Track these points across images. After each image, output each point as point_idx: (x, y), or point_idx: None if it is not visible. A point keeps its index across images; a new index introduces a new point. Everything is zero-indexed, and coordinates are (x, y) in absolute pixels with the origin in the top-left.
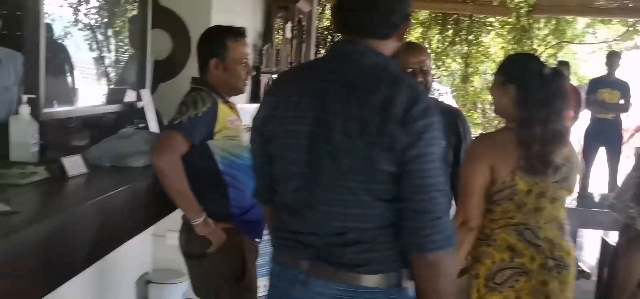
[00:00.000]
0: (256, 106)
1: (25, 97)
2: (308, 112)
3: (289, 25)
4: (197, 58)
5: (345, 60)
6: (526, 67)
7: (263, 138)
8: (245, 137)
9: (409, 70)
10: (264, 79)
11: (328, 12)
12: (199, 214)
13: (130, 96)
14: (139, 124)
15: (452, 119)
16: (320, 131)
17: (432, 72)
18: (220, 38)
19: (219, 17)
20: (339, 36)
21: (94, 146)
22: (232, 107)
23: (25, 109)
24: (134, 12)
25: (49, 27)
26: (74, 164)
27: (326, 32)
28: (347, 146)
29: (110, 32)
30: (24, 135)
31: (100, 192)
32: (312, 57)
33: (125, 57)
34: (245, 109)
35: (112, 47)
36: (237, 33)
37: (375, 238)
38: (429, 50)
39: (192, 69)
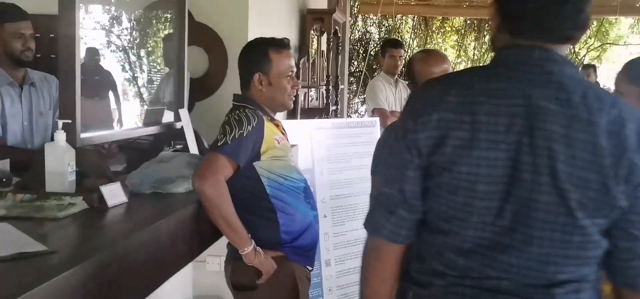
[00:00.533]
0: (297, 121)
1: (60, 123)
2: (507, 136)
3: (324, 37)
4: (238, 74)
5: (542, 72)
6: None
7: (428, 165)
8: (293, 157)
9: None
10: (301, 94)
11: (360, 23)
12: (247, 243)
13: (167, 117)
14: (176, 146)
15: None
16: (530, 159)
17: None
18: (263, 50)
19: (256, 31)
20: (375, 47)
21: (134, 172)
22: (278, 124)
23: (61, 136)
24: (169, 30)
25: (87, 50)
26: (113, 193)
27: (359, 44)
28: (577, 178)
29: (143, 52)
30: (61, 163)
31: (142, 223)
32: (346, 70)
33: (160, 76)
34: (285, 124)
35: (147, 66)
36: (281, 44)
37: (587, 277)
38: (465, 58)
39: (229, 86)
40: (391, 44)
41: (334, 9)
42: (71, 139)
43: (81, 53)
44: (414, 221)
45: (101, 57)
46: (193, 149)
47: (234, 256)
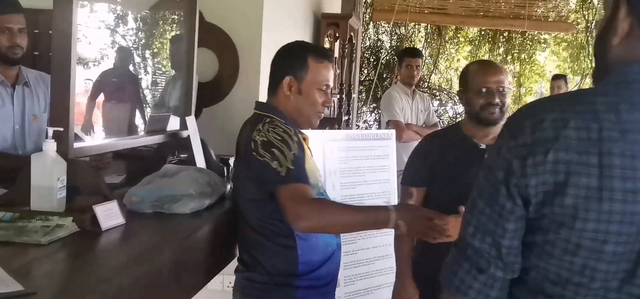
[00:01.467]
0: (309, 131)
1: (50, 131)
2: None
3: (337, 43)
4: (269, 77)
5: None
6: None
7: (538, 217)
8: (321, 176)
9: (484, 90)
10: None
11: (371, 30)
12: (388, 215)
13: (173, 124)
14: (180, 156)
15: None
16: None
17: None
18: (302, 54)
19: (270, 35)
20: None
21: (133, 188)
22: (305, 138)
23: (50, 146)
24: (176, 31)
25: (119, 50)
26: (108, 214)
27: (369, 52)
28: None
29: (149, 54)
30: (49, 177)
31: (141, 253)
32: (357, 78)
33: (165, 80)
34: None
35: (151, 68)
36: (323, 53)
37: None
38: None
39: (241, 92)
40: (409, 53)
41: (350, 14)
42: (63, 149)
43: (78, 50)
44: (507, 281)
45: (104, 58)
46: (200, 160)
47: (240, 286)
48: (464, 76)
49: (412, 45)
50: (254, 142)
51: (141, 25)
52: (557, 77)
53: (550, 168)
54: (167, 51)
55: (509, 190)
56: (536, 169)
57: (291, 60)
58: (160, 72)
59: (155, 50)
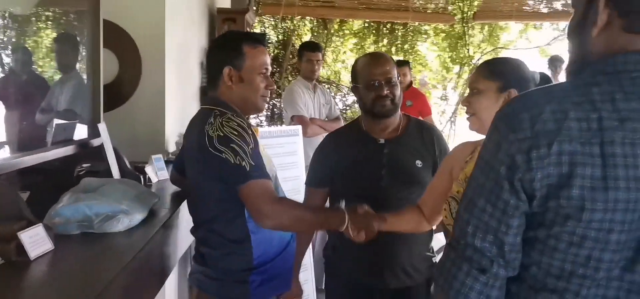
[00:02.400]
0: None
1: None
2: None
3: None
4: (206, 72)
5: None
6: (521, 70)
7: (542, 211)
8: (274, 168)
9: (374, 83)
10: None
11: (257, 24)
12: (343, 218)
13: (81, 133)
14: (84, 166)
15: (430, 136)
16: None
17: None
18: (236, 44)
19: (173, 33)
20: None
21: (54, 209)
22: (255, 129)
23: None
24: (63, 30)
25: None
26: (36, 240)
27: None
28: None
29: (46, 54)
30: None
31: (79, 282)
32: None
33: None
34: None
35: (51, 72)
36: (256, 39)
37: None
38: None
39: (144, 93)
40: (309, 47)
41: (247, 8)
42: None
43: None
44: (505, 280)
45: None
46: (115, 171)
47: (197, 280)
48: (354, 71)
49: (299, 39)
50: (209, 138)
51: (39, 17)
52: (553, 60)
53: (554, 160)
54: (58, 53)
55: (513, 185)
56: (541, 162)
57: (226, 51)
58: (48, 75)
59: (44, 50)
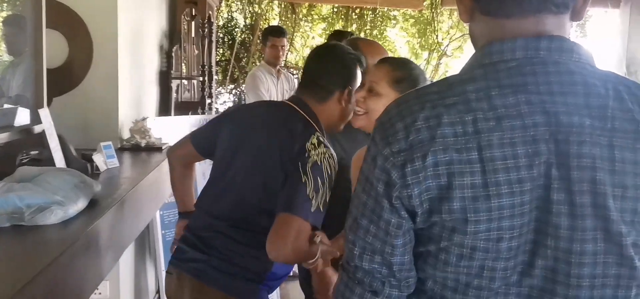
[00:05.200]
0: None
1: None
2: (530, 171)
3: (194, 23)
4: (310, 78)
5: (560, 71)
6: (422, 80)
7: (428, 226)
8: None
9: None
10: (174, 86)
11: (224, 9)
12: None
13: (22, 118)
14: (31, 153)
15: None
16: (566, 197)
17: None
18: (353, 65)
19: (125, 16)
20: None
21: None
22: None
23: None
24: (11, 11)
25: None
26: None
27: (224, 31)
28: (631, 212)
29: None
30: None
31: (6, 283)
32: (214, 59)
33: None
34: (158, 122)
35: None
36: (362, 63)
37: None
38: None
39: (95, 78)
40: (273, 32)
41: None
42: None
43: None
44: (404, 297)
45: None
46: (58, 159)
47: (196, 271)
48: None
49: (267, 23)
50: (308, 157)
51: None
52: None
53: (431, 173)
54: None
55: (392, 204)
56: (417, 176)
57: (348, 70)
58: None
59: None
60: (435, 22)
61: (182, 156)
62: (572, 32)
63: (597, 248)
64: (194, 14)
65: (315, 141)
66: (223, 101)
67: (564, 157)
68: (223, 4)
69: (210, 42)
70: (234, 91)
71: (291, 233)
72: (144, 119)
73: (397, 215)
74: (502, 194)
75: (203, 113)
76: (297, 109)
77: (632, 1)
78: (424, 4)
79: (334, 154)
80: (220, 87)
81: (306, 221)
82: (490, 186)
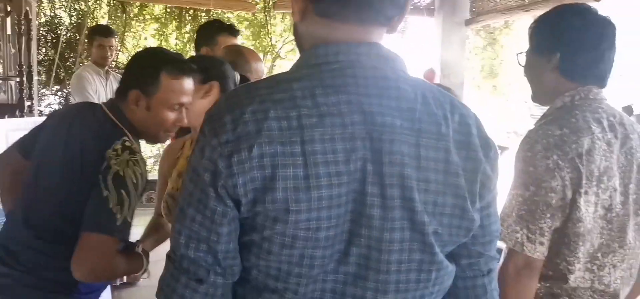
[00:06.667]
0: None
1: None
2: (348, 166)
3: (9, 20)
4: (121, 77)
5: (378, 76)
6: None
7: (252, 216)
8: None
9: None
10: None
11: (45, 5)
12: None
13: None
14: None
15: None
16: (378, 190)
17: None
18: (154, 70)
19: None
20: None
21: None
22: None
23: None
24: None
25: None
26: None
27: (47, 29)
28: (432, 205)
29: None
30: None
31: None
32: (35, 59)
33: None
34: None
35: None
36: (181, 68)
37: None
38: (168, 48)
39: None
40: (100, 32)
41: None
42: None
43: None
44: (229, 285)
45: None
46: None
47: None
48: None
49: (95, 21)
50: (108, 166)
51: None
52: None
53: (256, 164)
54: None
55: (218, 192)
56: (242, 166)
57: (141, 71)
58: None
59: None
60: (269, 25)
61: (7, 164)
62: (394, 37)
63: (404, 235)
64: (8, 9)
65: (119, 147)
66: (48, 103)
67: (378, 154)
68: (45, 0)
69: (29, 40)
70: (59, 93)
71: (94, 253)
72: None
73: (222, 204)
74: (321, 186)
75: (22, 116)
76: (107, 112)
77: (444, 12)
78: (257, 7)
79: (143, 158)
80: (44, 89)
81: (111, 237)
82: (311, 178)
